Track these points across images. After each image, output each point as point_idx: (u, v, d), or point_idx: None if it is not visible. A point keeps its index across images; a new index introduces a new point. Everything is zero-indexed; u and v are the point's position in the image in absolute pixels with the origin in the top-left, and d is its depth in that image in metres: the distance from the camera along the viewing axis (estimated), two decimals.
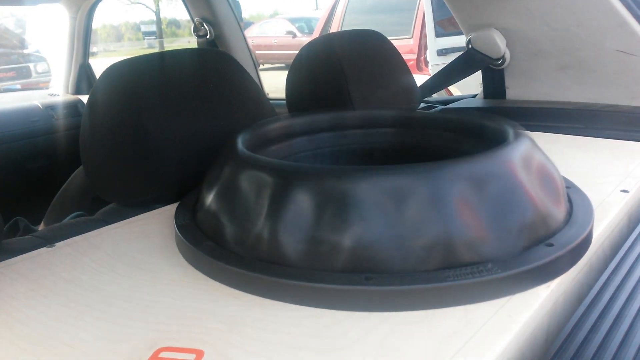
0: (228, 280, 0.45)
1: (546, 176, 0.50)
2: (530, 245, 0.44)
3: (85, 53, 2.27)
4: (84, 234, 0.57)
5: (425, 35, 3.92)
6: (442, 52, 3.61)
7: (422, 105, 1.27)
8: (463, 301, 0.40)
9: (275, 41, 10.57)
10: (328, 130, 0.69)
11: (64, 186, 1.27)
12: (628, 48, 0.97)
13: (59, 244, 0.55)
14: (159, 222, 0.60)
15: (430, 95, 1.30)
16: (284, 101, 1.02)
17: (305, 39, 10.55)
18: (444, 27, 3.76)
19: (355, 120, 0.69)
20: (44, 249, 0.55)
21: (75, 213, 0.83)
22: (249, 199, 0.47)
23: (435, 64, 3.58)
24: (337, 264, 0.42)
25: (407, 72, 1.08)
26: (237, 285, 0.44)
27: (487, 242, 0.43)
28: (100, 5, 2.14)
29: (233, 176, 0.50)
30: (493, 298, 0.41)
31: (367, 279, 0.41)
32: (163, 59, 0.73)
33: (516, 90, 1.16)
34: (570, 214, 0.51)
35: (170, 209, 0.64)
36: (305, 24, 11.69)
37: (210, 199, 0.52)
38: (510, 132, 0.54)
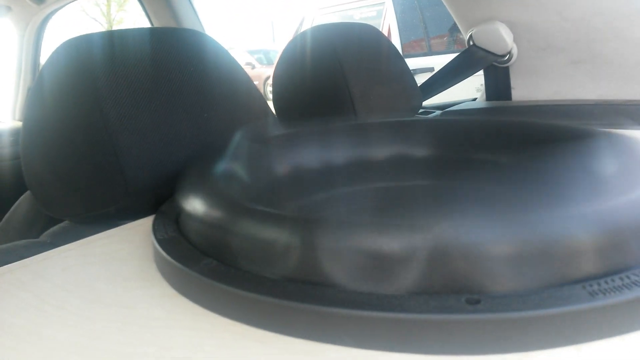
0: (246, 316, 0.29)
1: None
2: None
3: (35, 75, 2.08)
4: (22, 261, 0.41)
5: None
6: None
7: (420, 110, 1.15)
8: (620, 329, 0.26)
9: None
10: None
11: (7, 215, 1.08)
12: None
13: None
14: (129, 240, 0.44)
15: (428, 98, 1.19)
16: None
17: (264, 70, 10.52)
18: (408, 50, 3.74)
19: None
20: None
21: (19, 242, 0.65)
22: (273, 194, 0.32)
23: None
24: (416, 282, 0.27)
25: (407, 70, 0.96)
26: (262, 323, 0.29)
27: (631, 240, 0.29)
28: (51, 28, 1.96)
29: (245, 167, 0.35)
30: None
31: (469, 302, 0.26)
32: (130, 37, 0.58)
33: (523, 90, 1.05)
34: None
35: (144, 223, 0.48)
36: (263, 56, 11.73)
37: (206, 199, 0.36)
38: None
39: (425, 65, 3.59)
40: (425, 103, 1.19)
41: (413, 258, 0.27)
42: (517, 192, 0.32)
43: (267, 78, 9.38)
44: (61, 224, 0.53)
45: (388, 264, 0.27)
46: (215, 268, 0.32)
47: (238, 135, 0.48)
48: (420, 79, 1.17)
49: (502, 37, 0.99)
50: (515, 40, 1.00)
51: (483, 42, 1.02)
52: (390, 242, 0.27)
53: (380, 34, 0.94)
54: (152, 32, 0.59)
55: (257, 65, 10.88)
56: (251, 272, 0.31)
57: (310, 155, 0.53)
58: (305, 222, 0.30)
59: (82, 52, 0.53)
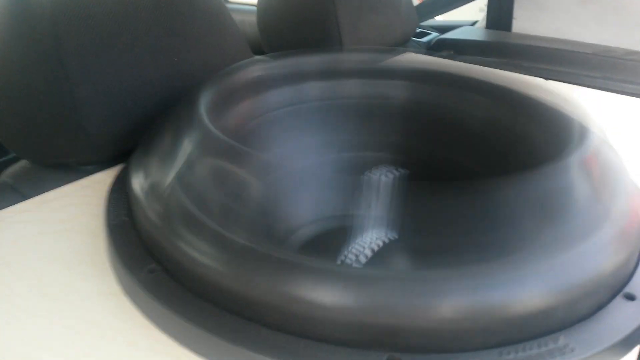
0: (180, 339, 0.30)
1: (620, 191, 0.37)
2: (605, 301, 0.32)
3: None
4: None
5: None
6: None
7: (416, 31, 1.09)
8: None
9: None
10: (317, 78, 0.53)
11: None
12: None
13: None
14: (86, 202, 0.44)
15: (427, 20, 1.12)
16: (249, 6, 0.83)
17: None
18: None
19: (356, 66, 0.52)
20: None
21: None
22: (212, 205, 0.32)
23: None
24: (341, 334, 0.28)
25: None
26: (195, 349, 0.30)
27: (555, 304, 0.30)
28: None
29: (192, 165, 0.34)
30: None
31: None
32: None
33: (524, 23, 1.00)
34: None
35: (103, 179, 0.47)
36: None
37: (156, 187, 0.36)
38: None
39: None
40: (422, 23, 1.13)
41: (345, 312, 0.28)
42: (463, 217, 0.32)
43: None
44: (22, 164, 0.52)
45: (317, 314, 0.28)
46: (157, 279, 0.33)
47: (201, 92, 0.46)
48: None
49: None
50: None
51: None
52: (321, 296, 0.28)
53: None
54: None
55: None
56: (192, 293, 0.31)
57: (279, 109, 0.52)
58: (244, 257, 0.30)
59: None
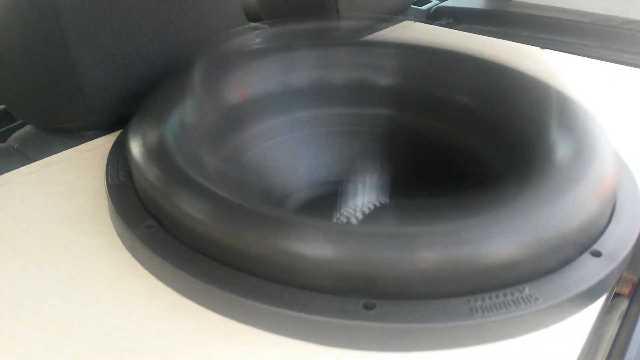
0: (176, 288, 0.33)
1: (597, 155, 0.38)
2: (572, 256, 0.34)
3: None
4: None
5: None
6: None
7: None
8: (494, 338, 0.30)
9: None
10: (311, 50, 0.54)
11: None
12: None
13: None
14: (87, 165, 0.46)
15: None
16: None
17: None
18: None
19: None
20: None
21: None
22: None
23: None
24: (322, 282, 0.31)
25: None
26: (190, 296, 0.32)
27: (522, 257, 0.32)
28: None
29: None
30: (531, 331, 0.31)
31: (366, 306, 0.30)
32: None
33: None
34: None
35: (104, 144, 0.50)
36: None
37: (152, 149, 0.38)
38: None
39: None
40: None
41: (325, 262, 0.30)
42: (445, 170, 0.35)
43: None
44: (27, 129, 0.54)
45: (302, 263, 0.31)
46: (154, 234, 0.35)
47: (199, 58, 0.47)
48: None
49: None
50: None
51: None
52: (306, 247, 0.30)
53: None
54: None
55: None
56: (186, 246, 0.34)
57: (272, 77, 0.53)
58: (235, 212, 0.32)
59: None
